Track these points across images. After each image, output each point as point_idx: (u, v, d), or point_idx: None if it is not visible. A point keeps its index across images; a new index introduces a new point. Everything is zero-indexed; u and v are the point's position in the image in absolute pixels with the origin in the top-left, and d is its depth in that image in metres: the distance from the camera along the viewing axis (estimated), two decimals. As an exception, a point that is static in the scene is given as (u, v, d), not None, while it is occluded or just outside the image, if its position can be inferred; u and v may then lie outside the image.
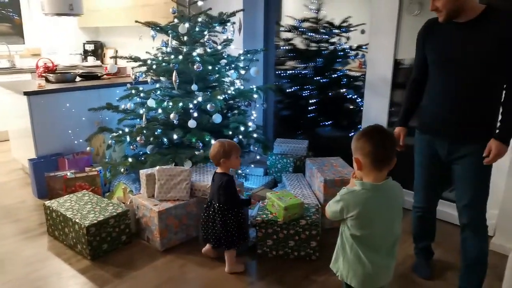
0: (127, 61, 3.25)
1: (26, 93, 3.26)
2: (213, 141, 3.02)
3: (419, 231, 2.31)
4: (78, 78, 4.00)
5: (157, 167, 2.66)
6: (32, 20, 5.55)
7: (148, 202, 2.59)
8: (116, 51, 5.77)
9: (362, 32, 4.68)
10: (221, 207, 2.24)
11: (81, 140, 3.63)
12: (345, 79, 4.53)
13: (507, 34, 1.66)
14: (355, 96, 4.31)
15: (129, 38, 5.31)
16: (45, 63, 3.92)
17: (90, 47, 5.86)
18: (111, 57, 3.98)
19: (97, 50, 5.90)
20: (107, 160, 3.58)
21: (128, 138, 3.13)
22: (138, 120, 3.28)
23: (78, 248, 2.50)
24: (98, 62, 5.68)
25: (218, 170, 2.31)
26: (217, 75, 3.22)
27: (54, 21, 5.62)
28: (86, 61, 5.85)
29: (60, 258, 2.48)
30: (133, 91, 3.26)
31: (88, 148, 3.39)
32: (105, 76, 4.12)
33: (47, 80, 3.80)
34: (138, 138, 2.92)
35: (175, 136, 3.00)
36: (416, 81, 2.09)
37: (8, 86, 3.61)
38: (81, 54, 5.91)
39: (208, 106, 2.87)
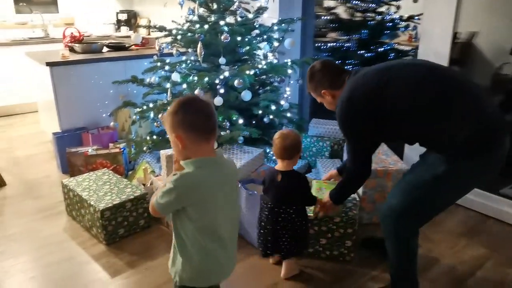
0: (152, 31, 3.01)
1: (48, 64, 3.11)
2: (240, 121, 2.77)
3: None
4: (105, 49, 3.82)
5: (178, 148, 2.44)
6: (66, -12, 5.42)
7: (167, 186, 2.38)
8: (149, 20, 5.55)
9: (415, 0, 4.18)
10: (299, 210, 1.86)
11: (107, 114, 3.48)
12: (392, 54, 4.08)
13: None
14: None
15: (162, 7, 5.06)
16: (72, 33, 3.76)
17: (123, 17, 5.68)
18: (136, 27, 3.74)
19: (130, 20, 5.70)
20: (133, 136, 3.42)
21: (152, 114, 2.93)
22: (164, 95, 3.07)
23: (93, 231, 2.36)
24: (131, 32, 5.50)
25: (283, 166, 1.85)
26: (247, 47, 2.91)
27: (87, -11, 5.48)
28: (119, 31, 5.69)
29: (75, 241, 2.35)
30: (159, 64, 3.03)
31: (111, 123, 3.23)
32: (133, 47, 3.91)
33: (73, 50, 3.65)
34: (159, 116, 2.70)
35: (200, 114, 2.75)
36: None
37: (33, 56, 3.49)
38: (114, 24, 5.75)
39: (236, 82, 2.58)
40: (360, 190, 2.44)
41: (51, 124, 3.49)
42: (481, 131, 1.50)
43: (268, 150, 2.98)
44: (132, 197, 2.34)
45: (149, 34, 4.97)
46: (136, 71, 3.37)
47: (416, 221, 1.73)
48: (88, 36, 5.39)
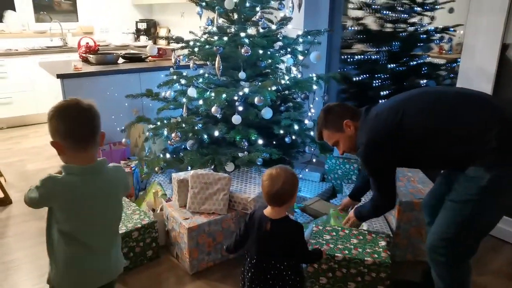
0: (169, 42, 2.82)
1: (59, 76, 2.96)
2: (260, 141, 2.54)
3: None
4: (121, 60, 3.67)
5: (191, 172, 2.22)
6: (86, -4, 5.35)
7: (179, 214, 2.17)
8: (169, 30, 5.42)
9: (450, 10, 3.88)
10: (292, 266, 1.50)
11: (120, 128, 3.30)
12: (425, 67, 3.79)
13: None
14: (438, 88, 3.56)
15: (183, 17, 4.90)
16: (87, 43, 3.62)
17: (142, 26, 5.56)
18: (157, 37, 3.58)
19: (150, 29, 5.58)
20: (146, 152, 3.23)
21: (165, 132, 2.73)
22: (180, 110, 2.87)
23: (97, 261, 2.16)
24: (150, 42, 5.36)
25: (274, 213, 1.49)
26: (269, 61, 2.69)
27: (107, -2, 5.39)
28: (139, 40, 5.57)
29: (76, 272, 2.15)
30: (175, 77, 2.84)
31: (123, 140, 3.05)
32: (150, 58, 3.75)
33: (88, 61, 3.51)
34: (173, 135, 2.49)
35: (216, 133, 2.54)
36: None
37: (46, 67, 3.36)
38: (133, 33, 5.64)
39: (256, 100, 2.36)
40: (394, 225, 2.16)
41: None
42: (509, 128, 1.48)
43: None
44: (139, 225, 2.13)
45: (168, 45, 4.82)
46: (152, 83, 3.19)
47: (472, 245, 1.58)
48: (106, 45, 5.29)
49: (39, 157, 3.78)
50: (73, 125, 1.19)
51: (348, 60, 3.90)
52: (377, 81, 3.75)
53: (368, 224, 2.17)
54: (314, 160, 2.96)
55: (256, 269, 1.49)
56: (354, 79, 3.85)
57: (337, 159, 2.92)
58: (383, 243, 1.93)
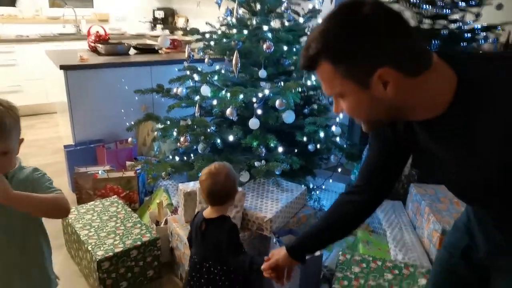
0: (182, 34, 2.54)
1: (62, 67, 2.72)
2: (280, 149, 2.25)
3: None
4: (132, 51, 3.41)
5: (200, 184, 1.95)
6: (101, -18, 5.11)
7: (184, 232, 1.90)
8: (187, 19, 5.13)
9: (499, 7, 3.49)
10: (227, 272, 1.44)
11: (128, 126, 3.06)
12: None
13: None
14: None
15: (203, 6, 4.60)
16: (97, 31, 3.37)
17: (159, 15, 5.29)
18: (166, 27, 3.31)
19: (168, 18, 5.30)
20: (156, 151, 2.98)
21: (175, 133, 2.46)
22: (193, 108, 2.59)
23: (91, 280, 1.92)
24: (166, 32, 5.08)
25: (210, 212, 1.46)
26: (294, 58, 2.38)
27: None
28: (155, 30, 5.31)
29: (68, 291, 1.93)
30: (188, 72, 2.57)
31: (129, 139, 2.79)
32: (163, 49, 3.48)
33: (97, 51, 3.26)
34: (181, 139, 2.22)
35: (231, 138, 2.26)
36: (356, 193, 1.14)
37: (51, 56, 3.12)
38: (150, 22, 5.38)
39: (277, 103, 2.06)
40: (433, 254, 1.84)
41: (66, 132, 3.12)
42: None
43: (311, 185, 2.44)
44: (139, 243, 1.87)
45: (186, 35, 4.54)
46: (165, 77, 2.92)
47: None
48: (121, 34, 5.06)
49: (43, 151, 3.58)
50: None
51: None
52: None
53: (404, 253, 1.86)
54: (339, 169, 2.66)
55: (195, 272, 1.47)
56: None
57: (365, 171, 2.60)
58: (423, 280, 1.63)
